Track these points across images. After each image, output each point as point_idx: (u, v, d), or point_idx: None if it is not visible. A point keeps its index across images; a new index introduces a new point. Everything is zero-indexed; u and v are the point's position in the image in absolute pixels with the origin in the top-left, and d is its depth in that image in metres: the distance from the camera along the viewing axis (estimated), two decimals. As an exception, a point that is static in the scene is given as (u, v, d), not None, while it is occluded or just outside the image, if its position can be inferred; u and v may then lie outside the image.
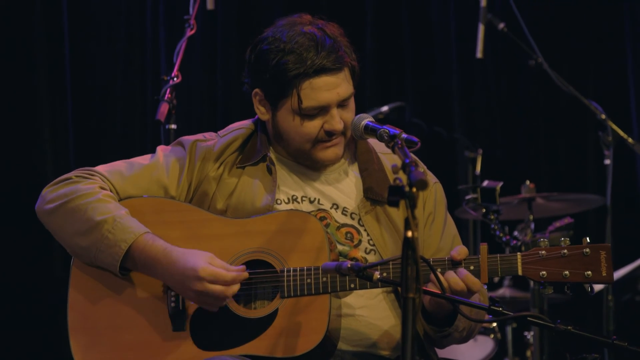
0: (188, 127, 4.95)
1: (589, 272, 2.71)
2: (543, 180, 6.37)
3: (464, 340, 2.99)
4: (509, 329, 5.67)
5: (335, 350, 2.84)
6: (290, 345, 2.76)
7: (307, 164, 3.02)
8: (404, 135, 2.73)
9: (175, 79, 4.28)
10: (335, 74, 2.90)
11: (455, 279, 2.73)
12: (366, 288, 2.82)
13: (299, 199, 3.00)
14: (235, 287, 2.79)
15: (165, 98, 4.23)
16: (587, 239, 2.74)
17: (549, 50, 5.66)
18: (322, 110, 2.91)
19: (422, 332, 2.90)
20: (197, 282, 2.76)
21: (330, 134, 2.94)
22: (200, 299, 2.80)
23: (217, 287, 2.76)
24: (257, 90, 3.00)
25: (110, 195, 2.93)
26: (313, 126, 2.93)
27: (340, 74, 2.91)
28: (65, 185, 2.95)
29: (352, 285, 2.79)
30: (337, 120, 2.92)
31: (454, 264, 2.78)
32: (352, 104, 2.98)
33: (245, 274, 2.80)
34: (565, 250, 2.73)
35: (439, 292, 2.71)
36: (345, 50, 2.92)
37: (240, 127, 3.11)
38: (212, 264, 2.78)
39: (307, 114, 2.91)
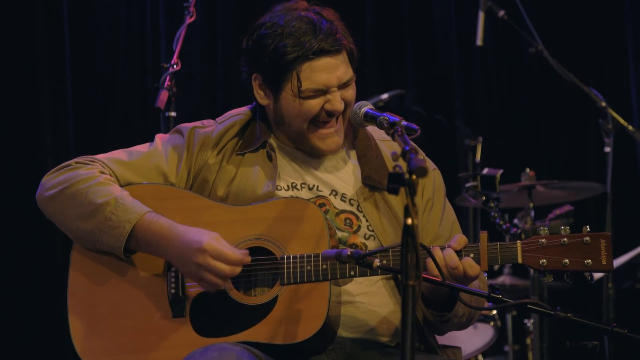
0: (188, 114, 4.93)
1: (589, 261, 2.70)
2: (543, 168, 6.37)
3: (463, 326, 2.99)
4: (509, 317, 5.68)
5: (335, 336, 2.84)
6: (290, 331, 2.76)
7: (307, 150, 3.02)
8: (404, 122, 2.73)
9: (175, 66, 4.27)
10: (334, 56, 2.90)
11: (451, 255, 2.73)
12: (366, 275, 2.82)
13: (298, 186, 3.00)
14: (237, 270, 2.78)
15: (165, 85, 4.23)
16: (587, 227, 2.73)
17: (549, 37, 5.65)
18: (322, 92, 2.91)
19: (422, 317, 2.91)
20: (200, 254, 2.75)
21: (330, 114, 2.94)
22: (200, 274, 2.77)
23: (219, 265, 2.75)
24: (256, 74, 3.00)
25: (111, 179, 2.94)
26: (313, 105, 2.92)
27: (339, 56, 2.92)
28: (65, 171, 2.96)
29: (352, 273, 2.78)
30: (338, 100, 2.92)
31: None
32: (353, 84, 2.98)
33: (248, 259, 2.79)
34: (565, 239, 2.72)
35: (437, 276, 2.71)
36: (343, 34, 2.93)
37: (238, 114, 3.11)
38: (218, 242, 2.78)
39: (307, 96, 2.91)
